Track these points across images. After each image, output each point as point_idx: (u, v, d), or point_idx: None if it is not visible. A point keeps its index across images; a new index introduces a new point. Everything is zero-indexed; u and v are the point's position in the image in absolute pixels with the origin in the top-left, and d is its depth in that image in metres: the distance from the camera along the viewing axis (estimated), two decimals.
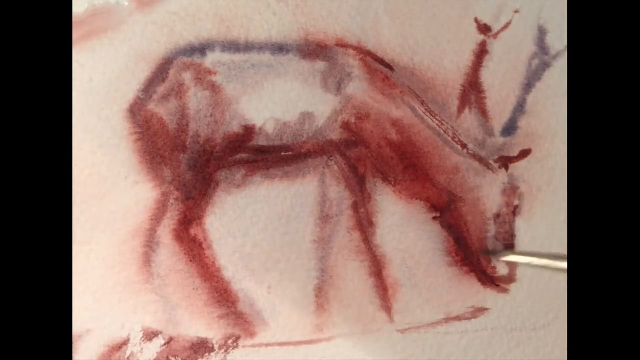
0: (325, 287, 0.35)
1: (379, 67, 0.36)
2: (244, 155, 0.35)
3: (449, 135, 0.36)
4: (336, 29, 0.35)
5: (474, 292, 0.36)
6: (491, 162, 0.36)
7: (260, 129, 0.35)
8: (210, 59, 0.35)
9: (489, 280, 0.36)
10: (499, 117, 0.36)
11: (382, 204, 0.35)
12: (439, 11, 0.36)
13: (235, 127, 0.35)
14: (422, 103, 0.36)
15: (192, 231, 0.35)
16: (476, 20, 0.36)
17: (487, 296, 0.36)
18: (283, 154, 0.35)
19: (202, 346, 0.35)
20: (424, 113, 0.36)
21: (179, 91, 0.35)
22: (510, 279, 0.36)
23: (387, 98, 0.36)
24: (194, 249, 0.35)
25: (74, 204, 0.34)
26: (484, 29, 0.36)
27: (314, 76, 0.35)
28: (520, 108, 0.36)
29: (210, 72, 0.35)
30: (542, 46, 0.36)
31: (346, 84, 0.35)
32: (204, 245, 0.35)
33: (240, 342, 0.35)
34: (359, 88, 0.36)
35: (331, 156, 0.35)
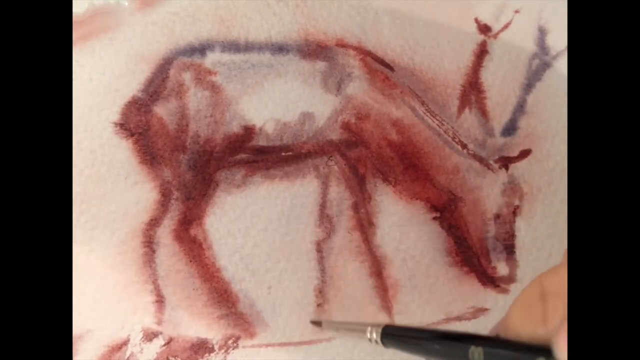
0: (325, 287, 0.35)
1: (379, 67, 0.36)
2: (243, 156, 0.35)
3: (449, 136, 0.36)
4: (336, 29, 0.35)
5: (474, 292, 0.36)
6: (491, 162, 0.36)
7: (260, 129, 0.35)
8: (210, 59, 0.35)
9: (489, 280, 0.36)
10: (499, 117, 0.36)
11: (382, 204, 0.35)
12: (439, 11, 0.36)
13: (235, 127, 0.35)
14: (422, 103, 0.36)
15: (192, 231, 0.35)
16: (476, 20, 0.36)
17: (487, 296, 0.36)
18: (283, 154, 0.35)
19: (202, 346, 0.35)
20: (424, 113, 0.36)
21: (178, 91, 0.35)
22: (510, 279, 0.36)
23: (387, 98, 0.36)
24: (194, 249, 0.35)
25: (74, 204, 0.34)
26: (484, 29, 0.36)
27: (314, 76, 0.35)
28: (520, 108, 0.36)
29: (210, 72, 0.35)
30: (542, 46, 0.36)
31: (346, 84, 0.35)
32: (204, 246, 0.35)
33: (240, 343, 0.35)
34: (359, 88, 0.36)
35: (331, 156, 0.35)
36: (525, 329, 0.22)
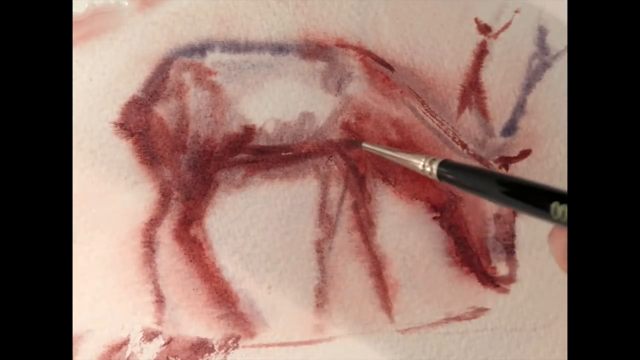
0: (325, 287, 0.35)
1: (379, 67, 0.36)
2: (243, 156, 0.35)
3: (449, 136, 0.36)
4: (336, 29, 0.35)
5: (474, 292, 0.36)
6: (491, 162, 0.36)
7: (260, 129, 0.35)
8: (210, 59, 0.35)
9: (489, 280, 0.36)
10: (499, 117, 0.36)
11: (382, 204, 0.35)
12: (439, 11, 0.36)
13: (235, 127, 0.35)
14: (422, 103, 0.36)
15: (192, 231, 0.35)
16: (476, 20, 0.36)
17: (487, 296, 0.36)
18: (283, 154, 0.35)
19: (202, 346, 0.35)
20: (424, 113, 0.36)
21: (178, 91, 0.35)
22: (511, 279, 0.36)
23: (387, 98, 0.36)
24: (194, 249, 0.35)
25: (74, 204, 0.34)
26: (484, 29, 0.36)
27: (314, 76, 0.35)
28: (520, 108, 0.36)
29: (210, 72, 0.35)
30: (542, 46, 0.36)
31: (346, 84, 0.35)
32: (204, 246, 0.35)
33: (240, 343, 0.35)
34: (359, 88, 0.36)
35: (331, 156, 0.35)
36: None
